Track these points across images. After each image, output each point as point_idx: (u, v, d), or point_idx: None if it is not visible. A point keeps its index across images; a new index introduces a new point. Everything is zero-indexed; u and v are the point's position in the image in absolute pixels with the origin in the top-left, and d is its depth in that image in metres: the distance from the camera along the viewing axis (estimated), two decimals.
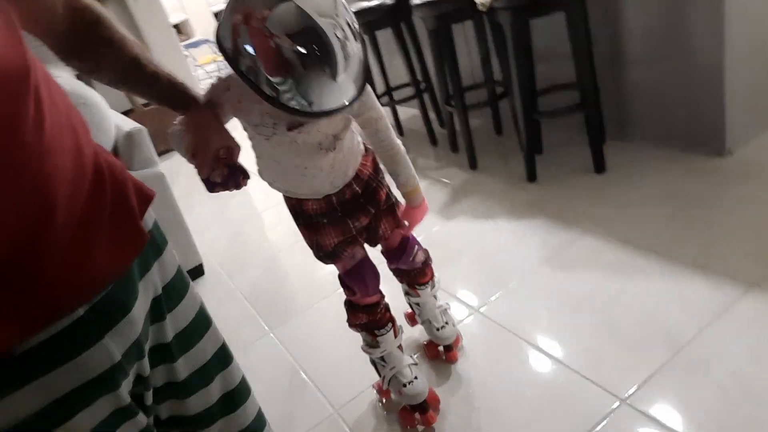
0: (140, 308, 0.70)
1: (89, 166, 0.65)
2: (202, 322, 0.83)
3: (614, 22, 2.15)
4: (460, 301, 1.77)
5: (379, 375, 1.44)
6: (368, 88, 1.06)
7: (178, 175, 3.30)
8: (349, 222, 1.22)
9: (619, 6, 2.11)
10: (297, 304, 2.06)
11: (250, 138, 1.09)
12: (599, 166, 2.18)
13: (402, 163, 1.23)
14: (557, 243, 1.87)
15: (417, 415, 1.38)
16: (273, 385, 1.67)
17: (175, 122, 1.00)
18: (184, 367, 0.79)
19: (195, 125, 0.95)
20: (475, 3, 2.10)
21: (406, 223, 1.32)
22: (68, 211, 0.60)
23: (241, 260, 2.51)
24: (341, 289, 1.36)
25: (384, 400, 1.49)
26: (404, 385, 1.38)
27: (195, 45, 6.14)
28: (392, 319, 1.42)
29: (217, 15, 7.51)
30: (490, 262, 1.93)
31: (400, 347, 1.45)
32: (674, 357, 1.33)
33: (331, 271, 1.37)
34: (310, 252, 1.30)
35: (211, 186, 0.96)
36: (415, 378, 1.39)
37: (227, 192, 0.98)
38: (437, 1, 2.29)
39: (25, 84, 0.58)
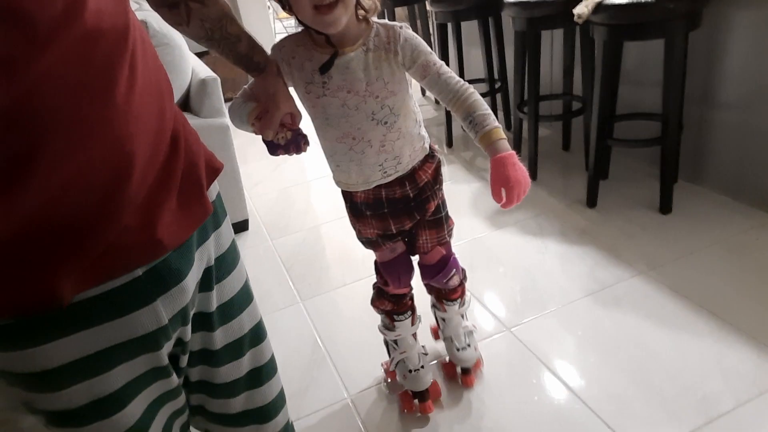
0: (193, 277, 0.71)
1: (168, 132, 0.66)
2: (244, 297, 0.85)
3: (713, 60, 2.02)
4: (491, 312, 1.75)
5: (389, 355, 1.49)
6: (416, 36, 1.04)
7: None
8: (391, 221, 1.21)
9: (723, 46, 1.97)
10: (330, 279, 2.08)
11: (308, 112, 1.09)
12: (665, 206, 2.08)
13: (478, 100, 1.03)
14: (605, 278, 1.81)
15: (416, 402, 1.43)
16: (293, 354, 1.70)
17: (236, 96, 1.04)
18: (220, 337, 0.81)
19: (266, 89, 0.98)
20: (571, 12, 2.01)
21: (503, 196, 0.98)
22: (144, 173, 0.61)
23: (285, 223, 2.55)
24: (374, 275, 1.37)
25: (389, 380, 1.53)
26: (410, 371, 1.42)
27: None
28: (413, 308, 1.44)
29: None
30: (530, 281, 1.88)
31: (414, 335, 1.47)
32: (707, 425, 1.28)
33: (369, 255, 1.37)
34: (351, 231, 1.31)
35: (274, 148, 1.01)
36: (422, 367, 1.42)
37: (286, 156, 1.02)
38: (532, 2, 2.20)
39: (123, 45, 0.58)
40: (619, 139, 2.22)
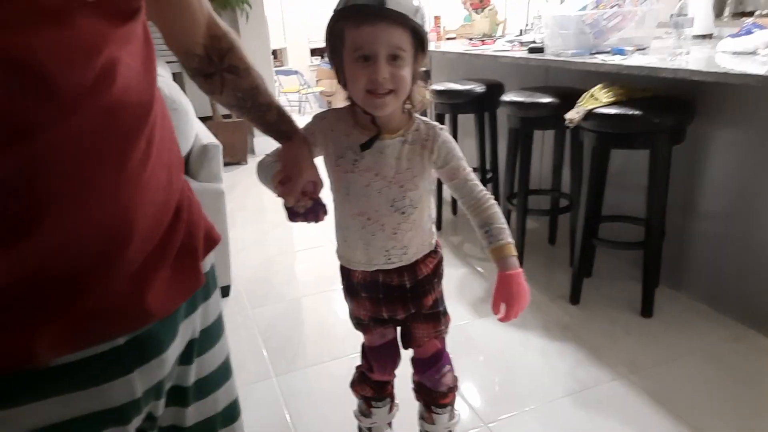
0: (175, 349, 0.69)
1: (173, 203, 0.67)
2: (223, 373, 0.82)
3: (695, 172, 2.13)
4: (468, 403, 1.70)
5: None
6: (452, 140, 1.09)
7: (233, 190, 3.39)
8: (383, 307, 1.20)
9: (705, 160, 2.08)
10: (307, 356, 2.03)
11: (331, 183, 1.12)
12: (646, 310, 2.10)
13: (497, 212, 1.08)
14: (585, 378, 1.79)
15: None
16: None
17: (267, 155, 1.07)
18: (193, 414, 0.77)
19: (291, 156, 1.00)
20: (563, 116, 2.13)
21: (501, 310, 1.04)
22: (143, 242, 0.61)
23: (265, 292, 2.51)
24: (354, 354, 1.34)
25: None
26: None
27: (285, 73, 6.44)
28: (392, 396, 1.39)
29: (313, 50, 7.90)
30: (510, 375, 1.85)
31: (390, 425, 1.42)
32: None
33: (349, 334, 1.34)
34: (333, 306, 1.29)
35: (293, 215, 1.03)
36: None
37: (298, 223, 1.04)
38: (527, 104, 2.33)
39: (145, 118, 0.60)
40: (603, 240, 2.28)
